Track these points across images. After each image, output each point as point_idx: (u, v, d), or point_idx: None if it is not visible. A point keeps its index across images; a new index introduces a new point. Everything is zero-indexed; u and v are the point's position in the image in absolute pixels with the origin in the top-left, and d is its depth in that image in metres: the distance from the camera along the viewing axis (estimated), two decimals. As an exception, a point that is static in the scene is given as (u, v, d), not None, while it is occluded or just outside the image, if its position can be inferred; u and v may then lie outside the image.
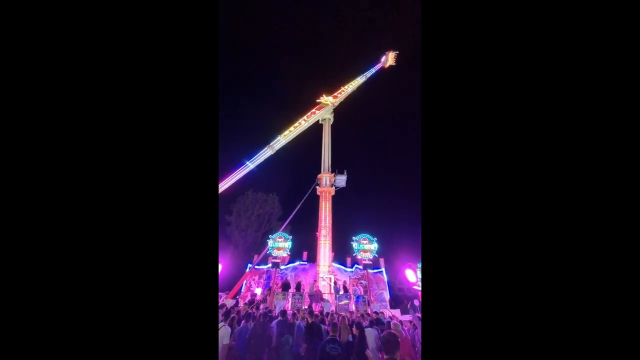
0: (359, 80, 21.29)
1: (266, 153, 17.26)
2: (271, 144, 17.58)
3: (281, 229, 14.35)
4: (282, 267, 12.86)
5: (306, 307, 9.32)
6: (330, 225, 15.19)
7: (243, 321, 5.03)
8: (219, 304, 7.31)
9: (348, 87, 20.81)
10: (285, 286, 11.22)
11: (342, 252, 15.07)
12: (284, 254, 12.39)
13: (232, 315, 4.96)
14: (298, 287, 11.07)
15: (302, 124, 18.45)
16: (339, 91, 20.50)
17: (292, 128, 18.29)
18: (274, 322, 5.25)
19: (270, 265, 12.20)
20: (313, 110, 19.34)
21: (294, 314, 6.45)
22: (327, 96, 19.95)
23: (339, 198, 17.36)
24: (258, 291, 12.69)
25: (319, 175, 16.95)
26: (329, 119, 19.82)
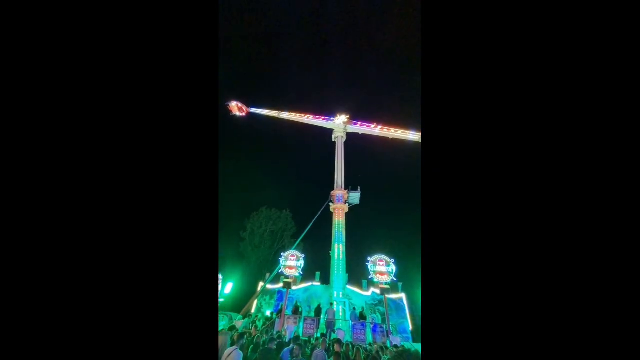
0: (386, 133, 18.51)
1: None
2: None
3: (294, 247, 14.04)
4: (294, 287, 12.34)
5: (320, 334, 8.67)
6: (344, 244, 14.63)
7: (252, 346, 4.72)
8: (233, 325, 7.02)
9: (371, 127, 18.98)
10: (297, 310, 10.66)
11: (357, 274, 14.26)
12: (296, 273, 11.95)
13: (242, 341, 4.67)
14: (318, 311, 10.41)
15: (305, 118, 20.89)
16: (365, 125, 19.18)
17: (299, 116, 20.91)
18: (286, 350, 4.87)
19: (281, 285, 11.77)
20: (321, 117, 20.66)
21: (306, 342, 5.98)
22: (345, 115, 20.14)
23: (354, 216, 16.92)
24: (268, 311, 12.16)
25: (332, 192, 16.81)
26: (342, 137, 20.12)
